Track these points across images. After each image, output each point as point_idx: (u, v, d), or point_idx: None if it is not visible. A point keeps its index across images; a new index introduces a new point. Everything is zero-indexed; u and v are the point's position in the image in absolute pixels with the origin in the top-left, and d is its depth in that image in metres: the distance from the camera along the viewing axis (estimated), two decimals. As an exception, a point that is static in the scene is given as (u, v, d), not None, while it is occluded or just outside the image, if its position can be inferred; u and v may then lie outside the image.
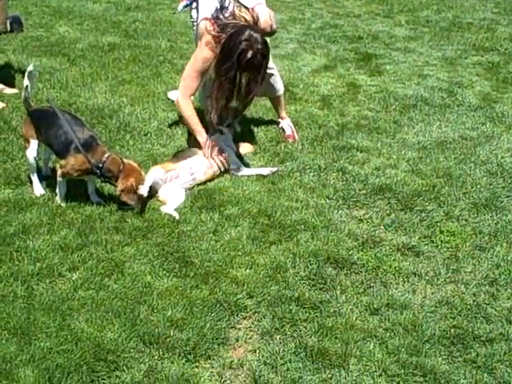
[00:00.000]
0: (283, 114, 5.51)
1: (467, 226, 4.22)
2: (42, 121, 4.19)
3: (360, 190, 4.60)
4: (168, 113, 5.71)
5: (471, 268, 3.83)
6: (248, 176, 4.68)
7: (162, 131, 5.33)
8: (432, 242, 4.07)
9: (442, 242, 4.06)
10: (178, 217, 4.11)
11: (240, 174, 4.70)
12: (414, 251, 3.96)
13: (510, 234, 4.15)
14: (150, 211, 4.20)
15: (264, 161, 4.97)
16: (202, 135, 4.73)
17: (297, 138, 5.34)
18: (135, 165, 4.25)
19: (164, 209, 4.18)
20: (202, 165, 4.53)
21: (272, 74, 5.22)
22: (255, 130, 5.47)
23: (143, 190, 4.09)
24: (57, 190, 4.17)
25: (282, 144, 5.21)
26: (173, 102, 5.90)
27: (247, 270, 3.65)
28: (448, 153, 5.19)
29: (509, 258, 3.90)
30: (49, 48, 7.38)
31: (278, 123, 5.52)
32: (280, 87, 5.41)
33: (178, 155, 4.68)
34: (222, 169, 4.62)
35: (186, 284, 3.51)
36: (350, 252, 3.89)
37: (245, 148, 5.07)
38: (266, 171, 4.70)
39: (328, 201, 4.45)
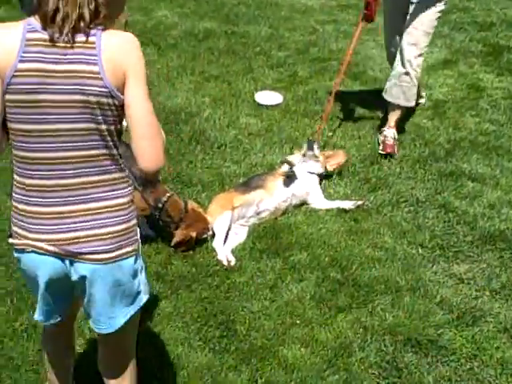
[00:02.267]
0: (393, 123, 4.62)
1: None
2: None
3: (465, 237, 3.69)
4: (250, 119, 5.02)
5: None
6: (327, 210, 3.90)
7: (239, 143, 4.66)
8: (553, 322, 3.11)
9: None
10: (233, 262, 3.45)
11: (318, 206, 3.93)
12: (526, 335, 3.04)
13: None
14: (201, 251, 3.57)
15: (351, 187, 4.16)
16: None
17: (396, 153, 4.45)
18: (200, 211, 3.63)
19: (218, 251, 3.53)
20: (270, 202, 3.81)
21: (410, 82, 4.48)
22: (346, 144, 4.64)
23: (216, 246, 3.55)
24: None
25: (376, 166, 4.36)
26: (259, 105, 5.22)
27: (302, 350, 2.92)
28: None
29: None
30: (142, 35, 6.84)
31: (380, 132, 4.63)
32: (413, 100, 4.61)
33: (247, 183, 3.98)
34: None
35: (223, 363, 2.86)
36: (440, 330, 3.05)
37: (337, 157, 4.25)
38: (348, 204, 3.90)
39: (421, 250, 3.58)
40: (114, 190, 1.98)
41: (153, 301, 3.19)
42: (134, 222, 2.04)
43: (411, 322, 3.07)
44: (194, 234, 3.51)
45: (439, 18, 4.47)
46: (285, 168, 4.07)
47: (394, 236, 3.69)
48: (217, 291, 3.27)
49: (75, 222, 1.94)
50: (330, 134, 4.77)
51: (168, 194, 3.50)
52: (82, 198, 1.94)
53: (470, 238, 3.68)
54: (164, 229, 3.58)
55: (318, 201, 3.94)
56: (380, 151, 4.43)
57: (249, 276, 3.37)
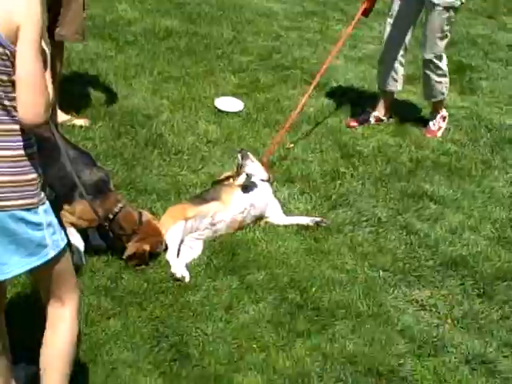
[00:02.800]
0: (436, 109, 5.01)
1: None
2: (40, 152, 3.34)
3: (427, 261, 3.61)
4: (210, 125, 4.84)
5: None
6: (286, 226, 3.76)
7: (197, 151, 4.47)
8: (514, 354, 3.05)
9: (527, 356, 3.04)
10: (187, 278, 3.27)
11: (276, 220, 3.78)
12: (488, 368, 2.97)
13: None
14: (154, 265, 3.36)
15: (311, 204, 4.03)
16: None
17: (438, 135, 4.91)
18: (155, 224, 3.42)
19: (171, 263, 3.34)
20: (226, 214, 3.63)
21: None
22: (308, 158, 4.51)
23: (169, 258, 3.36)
24: None
25: (338, 182, 4.25)
26: (219, 111, 5.04)
27: (258, 377, 2.77)
28: (549, 215, 4.08)
29: None
30: (100, 30, 6.56)
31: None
32: (439, 95, 4.96)
33: (202, 194, 3.80)
34: None
35: (174, 390, 2.67)
36: (401, 360, 2.94)
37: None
38: (307, 220, 3.77)
39: (383, 273, 3.48)
40: (2, 142, 2.00)
41: (99, 318, 2.97)
42: (29, 177, 2.06)
43: (372, 351, 2.96)
44: (147, 248, 3.30)
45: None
46: (242, 178, 3.91)
47: (354, 257, 3.57)
48: (169, 310, 3.08)
49: None
50: (292, 145, 4.64)
51: (120, 205, 3.27)
52: None
53: (431, 262, 3.60)
54: (115, 240, 3.36)
55: (277, 214, 3.80)
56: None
57: (203, 295, 3.19)
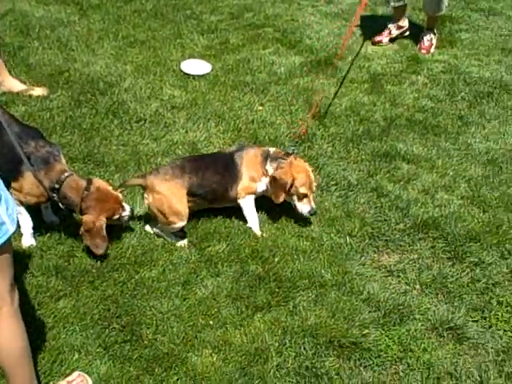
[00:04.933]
0: (431, 26, 5.42)
1: (538, 296, 3.04)
2: None
3: (397, 224, 3.46)
4: (175, 90, 4.63)
5: (536, 372, 2.68)
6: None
7: (160, 118, 4.28)
8: (484, 319, 2.93)
9: (498, 320, 2.92)
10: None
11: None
12: (456, 334, 2.84)
13: None
14: (110, 241, 3.20)
15: (279, 169, 3.85)
16: None
17: (431, 51, 5.36)
18: (107, 189, 3.13)
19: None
20: None
21: None
22: (277, 120, 4.32)
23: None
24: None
25: (307, 144, 4.06)
26: (185, 74, 4.83)
27: (213, 356, 2.64)
28: (526, 171, 3.91)
29: None
30: (63, -7, 6.34)
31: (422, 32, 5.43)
32: (443, 7, 5.34)
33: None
34: None
35: (124, 373, 2.55)
36: (365, 331, 2.81)
37: None
38: None
39: (350, 240, 3.33)
40: None
41: (48, 300, 2.83)
42: None
43: (334, 322, 2.82)
44: (102, 222, 3.09)
45: None
46: None
47: (321, 224, 3.42)
48: (123, 288, 2.94)
49: None
50: (260, 108, 4.44)
51: (66, 174, 3.07)
52: None
53: (401, 225, 3.45)
54: (69, 214, 3.19)
55: None
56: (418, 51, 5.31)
57: (160, 270, 3.05)
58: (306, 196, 3.30)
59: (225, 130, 4.16)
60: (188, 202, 3.21)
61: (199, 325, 2.78)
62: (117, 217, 3.15)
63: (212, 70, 4.91)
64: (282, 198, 3.29)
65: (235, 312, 2.85)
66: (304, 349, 2.70)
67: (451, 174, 3.87)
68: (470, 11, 6.27)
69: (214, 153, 3.65)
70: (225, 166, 3.31)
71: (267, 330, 2.77)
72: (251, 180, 3.32)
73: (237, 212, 3.43)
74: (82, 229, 3.07)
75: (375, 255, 3.27)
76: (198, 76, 4.83)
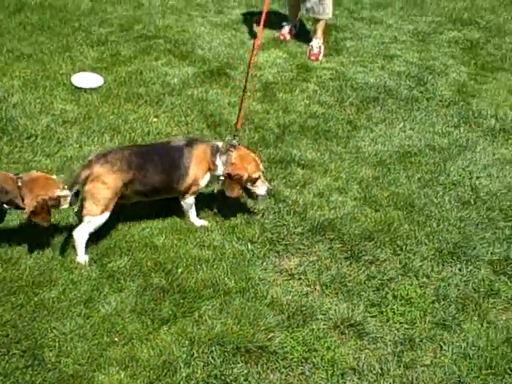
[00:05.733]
0: (319, 34, 5.64)
1: (428, 287, 3.23)
2: None
3: (295, 228, 3.56)
4: (66, 104, 4.54)
5: (430, 359, 2.85)
6: (150, 206, 3.57)
7: (52, 133, 4.17)
8: (381, 313, 3.08)
9: (394, 314, 3.08)
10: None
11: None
12: (356, 330, 2.97)
13: (483, 301, 3.17)
14: (4, 263, 3.08)
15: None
16: None
17: (320, 58, 5.55)
18: (37, 173, 3.21)
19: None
20: None
21: None
22: (173, 131, 4.33)
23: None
24: None
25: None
26: (76, 88, 4.73)
27: (120, 373, 2.61)
28: (411, 171, 4.14)
29: (480, 342, 2.92)
30: None
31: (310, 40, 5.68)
32: (329, 12, 5.61)
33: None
34: None
35: (27, 399, 2.46)
36: (271, 334, 2.88)
37: None
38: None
39: (251, 246, 3.39)
40: None
41: None
42: None
43: (241, 329, 2.86)
44: (44, 195, 3.04)
45: None
46: None
47: (222, 232, 3.46)
48: (21, 311, 2.84)
49: None
50: (155, 120, 4.43)
51: None
52: None
53: (300, 229, 3.55)
54: (14, 208, 3.11)
55: None
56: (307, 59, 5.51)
57: (60, 290, 2.97)
58: (258, 178, 3.45)
59: (120, 142, 4.11)
60: (126, 196, 3.24)
61: (104, 343, 2.73)
62: (55, 196, 3.10)
63: (104, 83, 4.85)
64: (237, 192, 3.45)
65: (141, 326, 2.83)
66: (212, 358, 2.72)
67: (344, 176, 4.03)
68: (354, 20, 6.56)
69: (164, 144, 3.54)
70: (172, 164, 3.35)
71: (174, 342, 2.77)
72: (197, 180, 3.41)
73: (137, 225, 3.41)
74: (26, 212, 3.04)
75: (276, 260, 3.35)
76: (90, 89, 4.75)
